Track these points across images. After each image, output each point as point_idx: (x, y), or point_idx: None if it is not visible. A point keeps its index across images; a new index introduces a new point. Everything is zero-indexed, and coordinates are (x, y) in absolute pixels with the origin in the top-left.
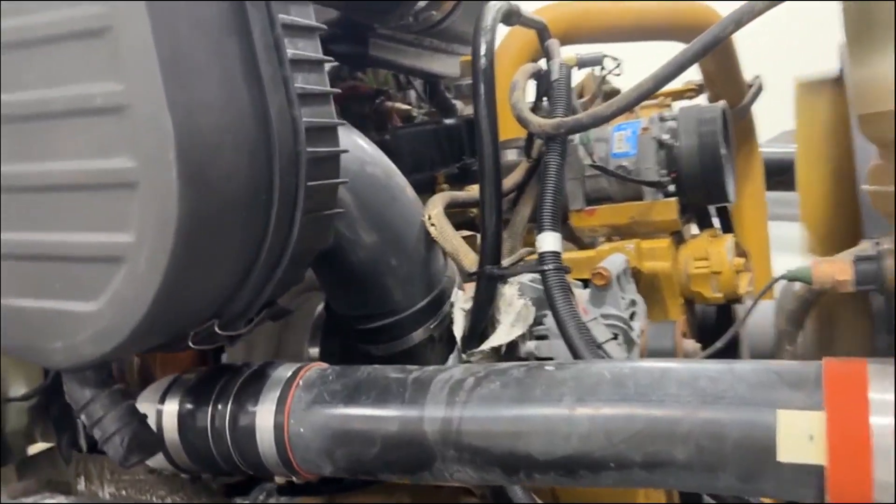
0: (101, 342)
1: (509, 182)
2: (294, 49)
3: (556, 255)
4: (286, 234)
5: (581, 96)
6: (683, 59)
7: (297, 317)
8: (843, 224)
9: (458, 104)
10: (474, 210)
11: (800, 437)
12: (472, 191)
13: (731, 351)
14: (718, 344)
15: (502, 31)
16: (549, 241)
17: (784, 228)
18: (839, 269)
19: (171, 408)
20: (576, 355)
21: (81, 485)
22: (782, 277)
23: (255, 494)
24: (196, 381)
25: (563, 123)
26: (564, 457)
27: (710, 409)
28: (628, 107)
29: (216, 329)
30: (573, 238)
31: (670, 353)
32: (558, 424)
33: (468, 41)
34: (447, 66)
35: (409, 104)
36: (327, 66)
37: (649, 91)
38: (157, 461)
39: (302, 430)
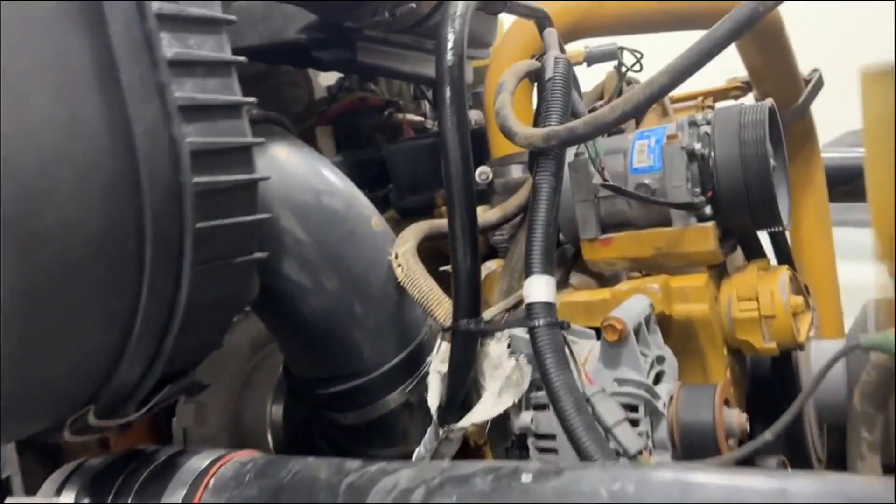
0: None
1: (511, 205)
2: (180, 47)
3: (548, 306)
4: (171, 293)
5: (602, 98)
6: (709, 45)
7: (261, 373)
8: None
9: (473, 115)
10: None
11: None
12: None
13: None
14: (768, 435)
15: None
16: (538, 288)
17: (847, 234)
18: None
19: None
20: (574, 445)
21: None
22: (856, 347)
23: None
24: (99, 469)
25: (554, 134)
26: None
27: None
28: (637, 110)
29: (90, 418)
30: (591, 271)
31: (708, 430)
32: None
33: (480, 43)
34: None
35: (424, 115)
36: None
37: (664, 88)
38: None
39: None
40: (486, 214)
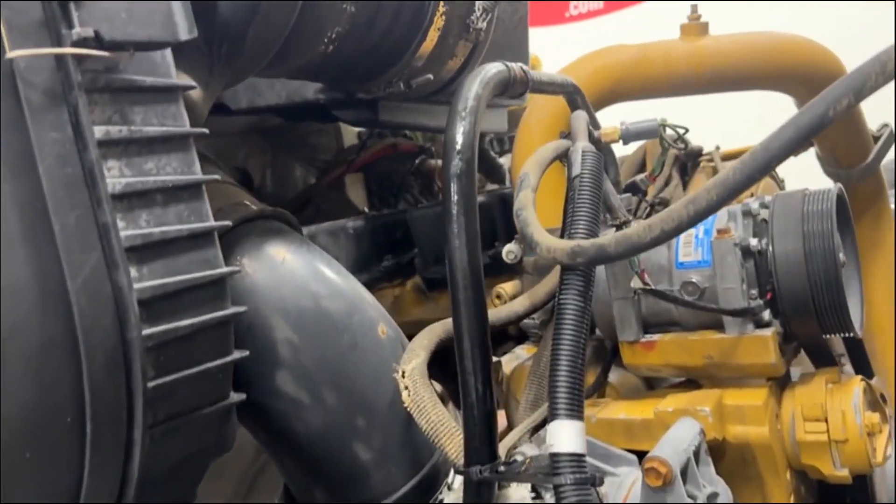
0: None
1: (540, 292)
2: (133, 175)
3: (577, 458)
4: (121, 464)
5: (644, 166)
6: (765, 159)
7: (267, 476)
8: None
9: (506, 162)
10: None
11: None
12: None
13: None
14: None
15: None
16: (564, 436)
17: None
18: None
19: None
20: None
21: None
22: None
23: None
24: None
25: (580, 251)
26: None
27: None
28: (678, 231)
29: None
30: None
31: None
32: None
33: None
34: (491, 121)
35: None
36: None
37: (711, 208)
38: None
39: None
40: (513, 304)
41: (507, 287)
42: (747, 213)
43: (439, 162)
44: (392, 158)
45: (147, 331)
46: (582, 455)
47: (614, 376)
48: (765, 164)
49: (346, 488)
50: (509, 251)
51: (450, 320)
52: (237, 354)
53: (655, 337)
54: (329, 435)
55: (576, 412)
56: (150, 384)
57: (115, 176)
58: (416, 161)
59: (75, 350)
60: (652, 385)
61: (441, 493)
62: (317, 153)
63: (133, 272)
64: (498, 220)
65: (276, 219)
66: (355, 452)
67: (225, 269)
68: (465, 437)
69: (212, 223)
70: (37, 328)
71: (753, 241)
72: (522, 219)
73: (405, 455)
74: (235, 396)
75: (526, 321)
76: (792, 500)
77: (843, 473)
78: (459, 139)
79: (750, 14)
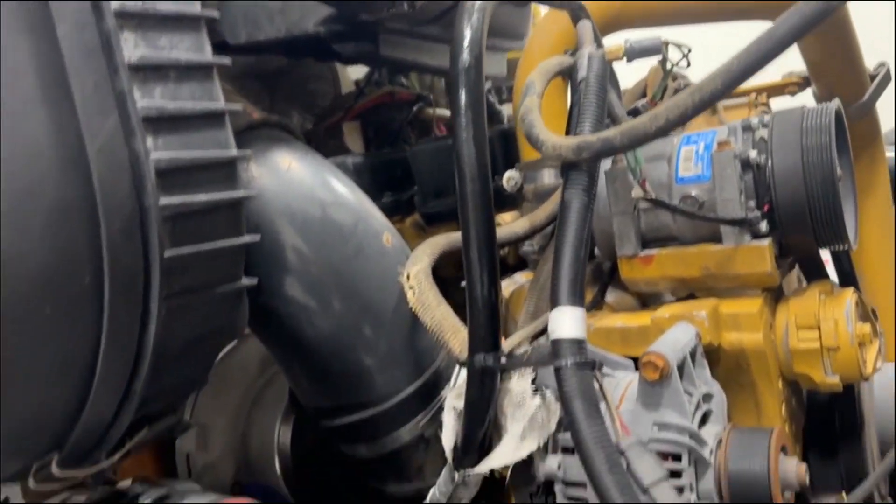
0: None
1: (540, 215)
2: (147, 49)
3: (577, 343)
4: (137, 333)
5: (645, 96)
6: (769, 45)
7: (270, 393)
8: None
9: (507, 110)
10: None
11: None
12: (502, 222)
13: (852, 435)
14: None
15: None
16: (565, 322)
17: None
18: None
19: None
20: None
21: None
22: None
23: None
24: None
25: (586, 145)
26: None
27: None
28: (683, 119)
29: (54, 469)
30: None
31: (762, 481)
32: None
33: (513, 34)
34: (489, 64)
35: None
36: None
37: (715, 95)
38: None
39: None
40: (513, 226)
41: (506, 217)
42: (747, 129)
43: (437, 110)
44: (389, 106)
45: (163, 200)
46: (582, 340)
47: (611, 296)
48: (769, 50)
49: (351, 390)
50: (510, 178)
51: (451, 234)
52: (248, 238)
53: (654, 251)
54: (336, 340)
55: (577, 300)
56: (167, 254)
57: (131, 47)
58: (414, 109)
59: (94, 214)
60: (647, 305)
61: (442, 395)
62: (315, 99)
63: (149, 142)
64: (498, 155)
65: (280, 128)
66: (361, 356)
67: (236, 153)
68: (470, 327)
69: (223, 105)
70: (56, 189)
71: (753, 154)
72: (528, 122)
73: (408, 360)
74: (246, 281)
75: (525, 248)
76: (783, 410)
77: (834, 380)
78: (468, 33)
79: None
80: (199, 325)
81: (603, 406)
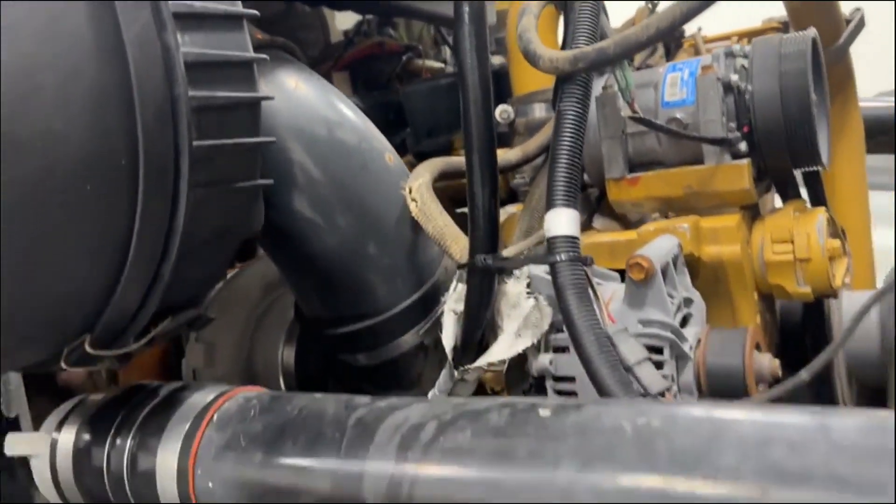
0: None
1: (532, 145)
2: None
3: (571, 240)
4: (168, 215)
5: None
6: None
7: (273, 315)
8: None
9: (496, 60)
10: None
11: None
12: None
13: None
14: (804, 375)
15: None
16: (560, 221)
17: (882, 199)
18: None
19: (67, 439)
20: (595, 384)
21: None
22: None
23: None
24: (100, 405)
25: (582, 56)
26: None
27: (790, 495)
28: (673, 27)
29: (86, 348)
30: (617, 216)
31: (737, 374)
32: (553, 500)
33: None
34: None
35: (444, 61)
36: None
37: (703, 2)
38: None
39: (212, 484)
40: (506, 154)
41: (498, 153)
42: (729, 55)
43: (427, 62)
44: (378, 58)
45: (191, 93)
46: (576, 237)
47: (598, 223)
48: None
49: (354, 302)
50: (503, 111)
51: (448, 157)
52: (264, 139)
53: (640, 174)
54: (341, 254)
55: (571, 202)
56: (195, 143)
57: None
58: (403, 59)
59: (129, 99)
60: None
61: (440, 306)
62: (304, 49)
63: (178, 37)
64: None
65: (285, 49)
66: (365, 270)
67: (254, 55)
68: (471, 231)
69: (242, 9)
70: (96, 72)
71: (734, 78)
72: (525, 39)
73: (409, 273)
74: (262, 181)
75: (516, 181)
76: (758, 320)
77: (805, 290)
78: None
79: (747, 15)
80: (221, 217)
81: (593, 299)
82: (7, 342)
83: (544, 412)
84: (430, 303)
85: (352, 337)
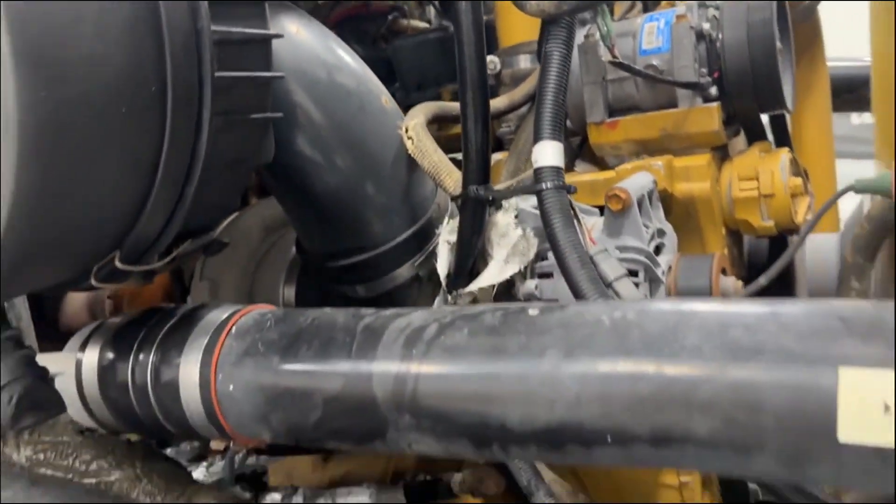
0: None
1: (518, 93)
2: None
3: (556, 170)
4: (192, 141)
5: None
6: None
7: (273, 254)
8: None
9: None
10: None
11: (870, 407)
12: None
13: (782, 293)
14: (762, 280)
15: None
16: (547, 152)
17: (850, 167)
18: None
19: (91, 358)
20: (577, 297)
21: None
22: (851, 188)
23: (231, 452)
24: (120, 326)
25: None
26: (548, 428)
27: (744, 368)
28: None
29: (117, 263)
30: (596, 160)
31: (705, 294)
32: (540, 386)
33: None
34: None
35: (428, 21)
36: None
37: None
38: (83, 419)
39: (232, 388)
40: (494, 102)
41: None
42: (702, 6)
43: (412, 22)
44: (364, 17)
45: (213, 27)
46: (560, 168)
47: (580, 168)
48: None
49: (354, 236)
50: (489, 62)
51: (440, 102)
52: (275, 73)
53: (619, 118)
54: (341, 192)
55: (557, 135)
56: (216, 74)
57: None
58: (389, 19)
59: (159, 30)
60: None
61: (433, 241)
62: None
63: None
64: None
65: None
66: (364, 206)
67: None
68: (465, 164)
69: None
70: (129, 5)
71: (706, 27)
72: None
73: (405, 209)
74: (273, 114)
75: (502, 129)
76: (725, 253)
77: (769, 224)
78: None
79: None
80: (237, 146)
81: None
82: (45, 258)
83: (533, 312)
84: (423, 238)
85: (351, 269)
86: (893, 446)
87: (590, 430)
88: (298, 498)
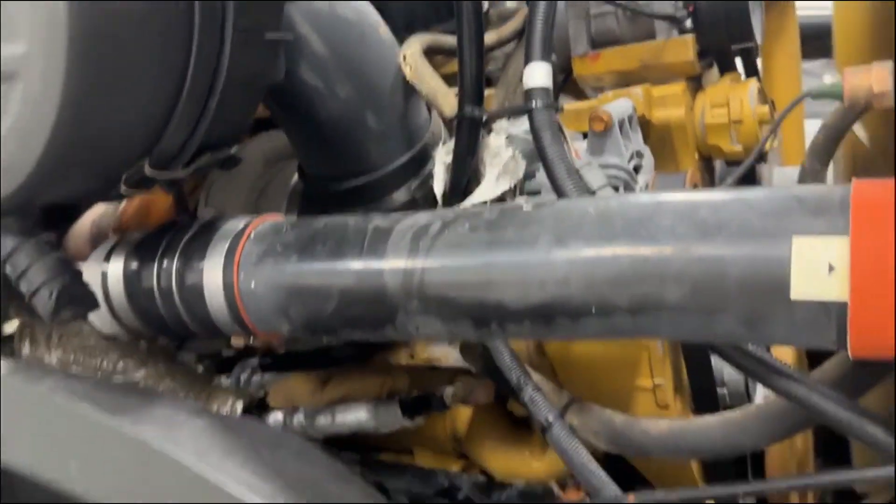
0: (9, 174)
1: (507, 30)
2: None
3: (546, 91)
4: (215, 55)
5: None
6: None
7: (274, 185)
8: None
9: None
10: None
11: (818, 268)
12: None
13: None
14: (729, 180)
15: None
16: (536, 73)
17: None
18: (877, 77)
19: (116, 268)
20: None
21: (26, 349)
22: (809, 94)
23: (236, 372)
24: (142, 238)
25: None
26: (540, 304)
27: (711, 242)
28: None
29: (147, 170)
30: (578, 95)
31: None
32: (533, 269)
33: None
34: None
35: None
36: None
37: None
38: (110, 327)
39: (254, 285)
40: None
41: None
42: None
43: None
44: None
45: None
46: (550, 88)
47: (562, 101)
48: None
49: (354, 160)
50: None
51: (434, 34)
52: None
53: (601, 50)
54: (344, 118)
55: (547, 56)
56: None
57: None
58: None
59: None
60: None
61: (429, 165)
62: None
63: None
64: None
65: None
66: (364, 131)
67: None
68: (460, 86)
69: None
70: None
71: None
72: None
73: (402, 135)
74: (285, 34)
75: (489, 68)
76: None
77: (738, 149)
78: None
79: None
80: (255, 63)
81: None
82: (84, 161)
83: (527, 207)
84: (420, 163)
85: (351, 192)
86: (835, 299)
87: (576, 304)
88: (300, 416)
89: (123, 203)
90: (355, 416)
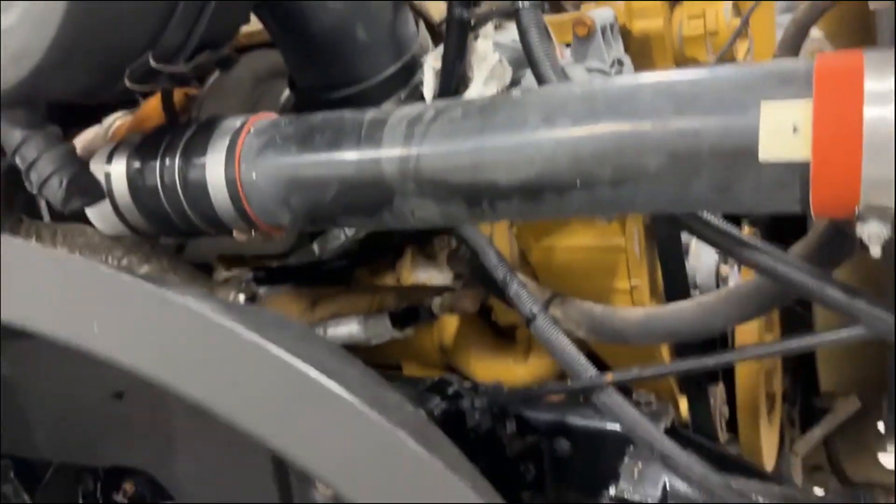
0: (18, 62)
1: None
2: None
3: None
4: None
5: None
6: None
7: (265, 102)
8: None
9: None
10: None
11: (783, 129)
12: None
13: None
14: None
15: None
16: None
17: None
18: None
19: (119, 168)
20: None
21: None
22: None
23: (232, 285)
24: (142, 138)
25: None
26: (529, 180)
27: (686, 114)
28: None
29: (151, 62)
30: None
31: None
32: (522, 148)
33: None
34: None
35: None
36: None
37: None
38: (115, 227)
39: (255, 176)
40: None
41: None
42: None
43: None
44: None
45: None
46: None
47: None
48: None
49: (345, 70)
50: None
51: None
52: None
53: None
54: (336, 29)
55: None
56: None
57: None
58: None
59: None
60: None
61: (418, 75)
62: None
63: None
64: None
65: None
66: (355, 42)
67: None
68: None
69: None
70: None
71: None
72: None
73: (390, 47)
74: None
75: None
76: None
77: (713, 59)
78: None
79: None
80: None
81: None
82: (75, 54)
83: (516, 93)
84: (408, 72)
85: (341, 103)
86: (799, 159)
87: (562, 179)
88: None
89: (115, 125)
90: (347, 329)
